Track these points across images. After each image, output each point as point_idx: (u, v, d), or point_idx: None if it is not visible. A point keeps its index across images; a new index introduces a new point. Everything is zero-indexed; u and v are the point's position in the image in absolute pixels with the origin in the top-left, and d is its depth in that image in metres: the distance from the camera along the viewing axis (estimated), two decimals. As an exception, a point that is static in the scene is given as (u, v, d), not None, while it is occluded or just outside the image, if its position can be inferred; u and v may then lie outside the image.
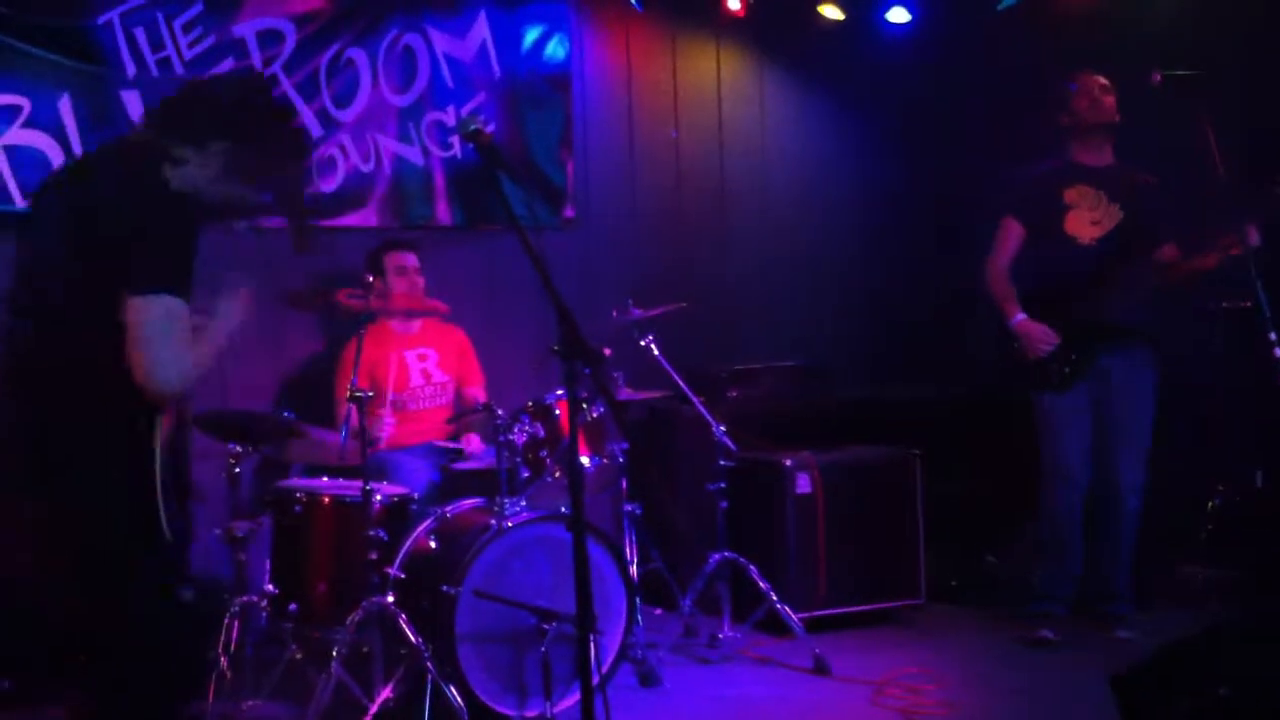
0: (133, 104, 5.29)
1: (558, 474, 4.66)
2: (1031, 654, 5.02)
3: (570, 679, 4.22)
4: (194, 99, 3.02)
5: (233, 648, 4.31)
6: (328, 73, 5.80)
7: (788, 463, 5.45)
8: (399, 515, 4.53)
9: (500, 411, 4.54)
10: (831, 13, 6.81)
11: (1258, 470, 5.66)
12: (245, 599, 4.39)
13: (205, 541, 4.68)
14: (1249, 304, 4.48)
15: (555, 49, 6.38)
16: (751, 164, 6.96)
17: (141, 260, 2.72)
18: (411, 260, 5.40)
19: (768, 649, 5.17)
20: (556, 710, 4.15)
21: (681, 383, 5.18)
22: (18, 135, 5.15)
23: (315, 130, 5.76)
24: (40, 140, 5.18)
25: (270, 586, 4.44)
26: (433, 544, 4.51)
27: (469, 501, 4.67)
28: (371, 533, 4.25)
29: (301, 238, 3.16)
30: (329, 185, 5.80)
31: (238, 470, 4.42)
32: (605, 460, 4.86)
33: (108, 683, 2.81)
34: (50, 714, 2.84)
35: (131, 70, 5.35)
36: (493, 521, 4.38)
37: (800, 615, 5.09)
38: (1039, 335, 5.07)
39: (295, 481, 4.80)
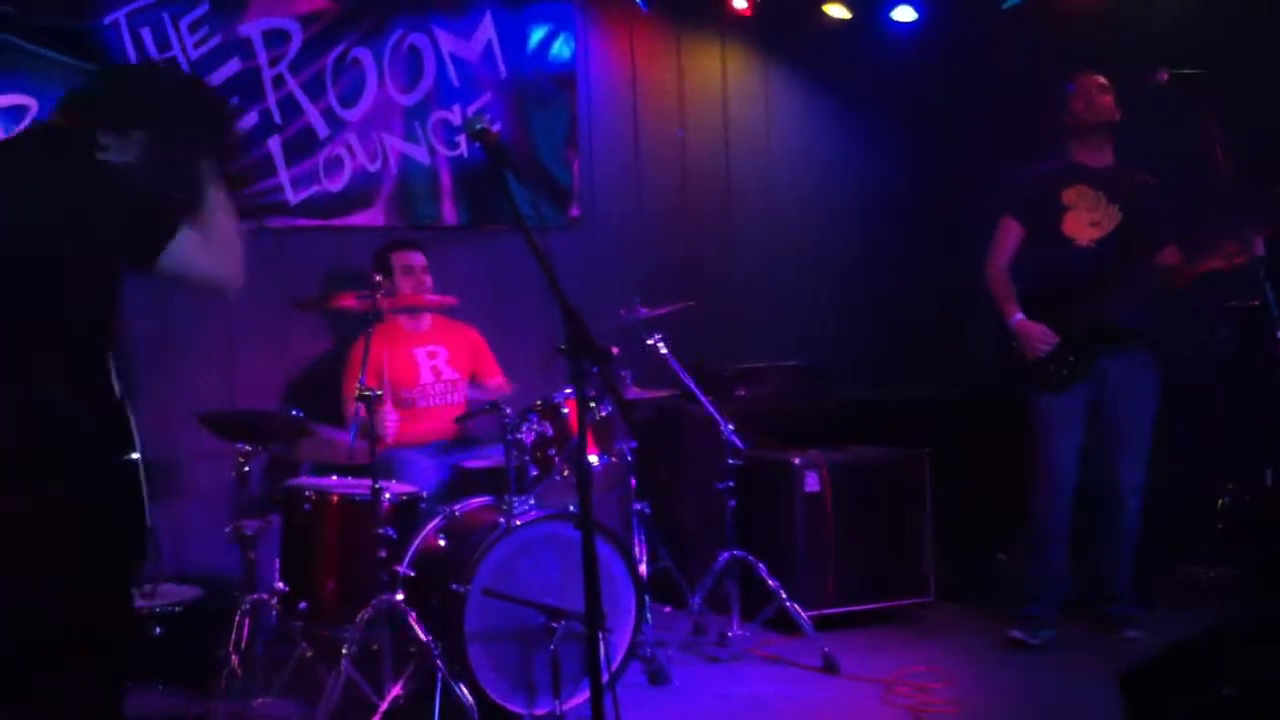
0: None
1: (566, 472, 4.67)
2: (1037, 654, 5.01)
3: (579, 677, 4.22)
4: (119, 86, 3.12)
5: (243, 645, 4.31)
6: (334, 72, 5.81)
7: (796, 461, 5.46)
8: (408, 513, 4.53)
9: (508, 410, 4.54)
10: (837, 11, 6.80)
11: (1268, 469, 5.64)
12: (255, 597, 4.40)
13: (215, 540, 4.69)
14: (1256, 303, 4.48)
15: (561, 48, 6.39)
16: (757, 163, 6.96)
17: (132, 231, 2.84)
18: (419, 259, 5.41)
19: (777, 647, 5.18)
20: (566, 708, 4.14)
21: (690, 382, 5.18)
22: (25, 135, 5.16)
23: (322, 130, 5.77)
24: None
25: (280, 584, 4.45)
26: (441, 542, 4.51)
27: (477, 500, 4.67)
28: (380, 531, 4.25)
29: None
30: (336, 185, 5.81)
31: (246, 469, 4.43)
32: (613, 459, 4.88)
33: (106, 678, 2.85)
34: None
35: (138, 70, 5.37)
36: (501, 520, 4.38)
37: (809, 613, 5.09)
38: (1038, 335, 5.07)
39: (304, 480, 4.81)
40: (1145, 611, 5.19)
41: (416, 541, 4.49)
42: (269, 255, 5.62)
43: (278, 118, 5.68)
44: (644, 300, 5.28)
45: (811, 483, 5.44)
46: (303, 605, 4.38)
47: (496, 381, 5.54)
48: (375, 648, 4.27)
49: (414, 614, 4.19)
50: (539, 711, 4.26)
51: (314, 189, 5.77)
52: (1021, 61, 6.46)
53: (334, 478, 4.76)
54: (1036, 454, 5.15)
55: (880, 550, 5.53)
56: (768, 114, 7.02)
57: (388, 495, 4.37)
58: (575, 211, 6.42)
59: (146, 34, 5.40)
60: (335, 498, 4.48)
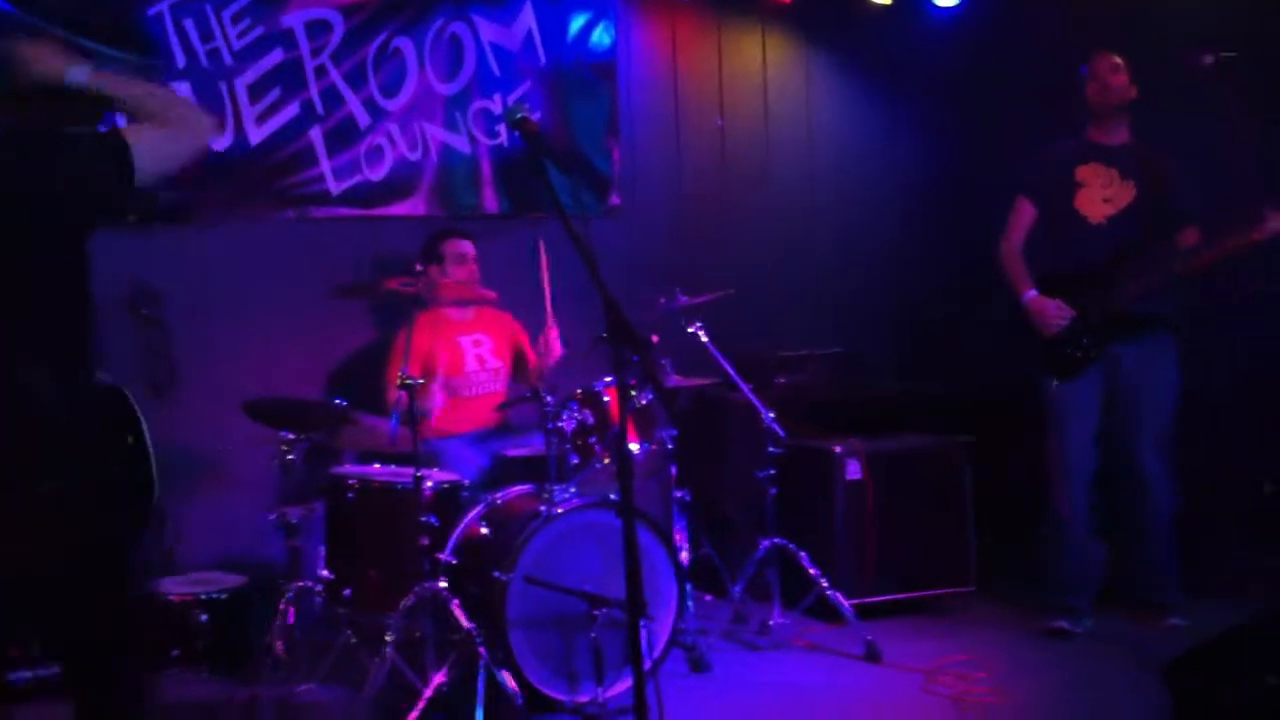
0: (183, 94, 5.33)
1: (606, 460, 4.68)
2: (1079, 644, 4.99)
3: (621, 665, 4.22)
4: None
5: (287, 632, 4.36)
6: (375, 62, 5.84)
7: (837, 449, 5.45)
8: (450, 501, 4.55)
9: (549, 398, 4.55)
10: (878, -3, 6.78)
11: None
12: (299, 584, 4.45)
13: (259, 527, 4.74)
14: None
15: (601, 37, 6.38)
16: (797, 151, 6.93)
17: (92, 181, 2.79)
18: (470, 248, 5.43)
19: (818, 635, 5.17)
20: (607, 695, 4.16)
21: (730, 369, 5.17)
22: (70, 126, 5.21)
23: (363, 120, 5.80)
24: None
25: (325, 572, 4.49)
26: (483, 530, 4.54)
27: (519, 488, 4.69)
28: (423, 519, 4.28)
29: None
30: (377, 174, 5.84)
31: (290, 457, 4.47)
32: (654, 447, 4.87)
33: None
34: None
35: (182, 61, 5.41)
36: (542, 508, 4.40)
37: (850, 602, 5.09)
38: (1052, 311, 5.02)
39: (348, 468, 4.84)
40: (1188, 599, 5.13)
41: (459, 529, 4.52)
42: (310, 245, 5.66)
43: (320, 108, 5.71)
44: (684, 288, 5.28)
45: (853, 471, 5.43)
46: (347, 592, 4.42)
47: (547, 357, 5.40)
48: (418, 635, 4.30)
49: (456, 601, 4.21)
50: (581, 699, 4.28)
51: (356, 179, 5.80)
52: (1065, 46, 6.37)
53: (376, 466, 4.80)
54: (1049, 442, 5.13)
55: (921, 539, 5.51)
56: (808, 102, 6.99)
57: (430, 483, 4.40)
58: (615, 200, 6.43)
59: (190, 25, 5.44)
60: (378, 486, 4.51)
